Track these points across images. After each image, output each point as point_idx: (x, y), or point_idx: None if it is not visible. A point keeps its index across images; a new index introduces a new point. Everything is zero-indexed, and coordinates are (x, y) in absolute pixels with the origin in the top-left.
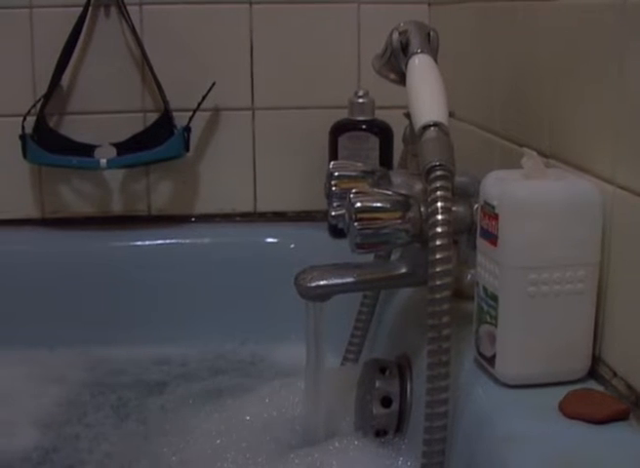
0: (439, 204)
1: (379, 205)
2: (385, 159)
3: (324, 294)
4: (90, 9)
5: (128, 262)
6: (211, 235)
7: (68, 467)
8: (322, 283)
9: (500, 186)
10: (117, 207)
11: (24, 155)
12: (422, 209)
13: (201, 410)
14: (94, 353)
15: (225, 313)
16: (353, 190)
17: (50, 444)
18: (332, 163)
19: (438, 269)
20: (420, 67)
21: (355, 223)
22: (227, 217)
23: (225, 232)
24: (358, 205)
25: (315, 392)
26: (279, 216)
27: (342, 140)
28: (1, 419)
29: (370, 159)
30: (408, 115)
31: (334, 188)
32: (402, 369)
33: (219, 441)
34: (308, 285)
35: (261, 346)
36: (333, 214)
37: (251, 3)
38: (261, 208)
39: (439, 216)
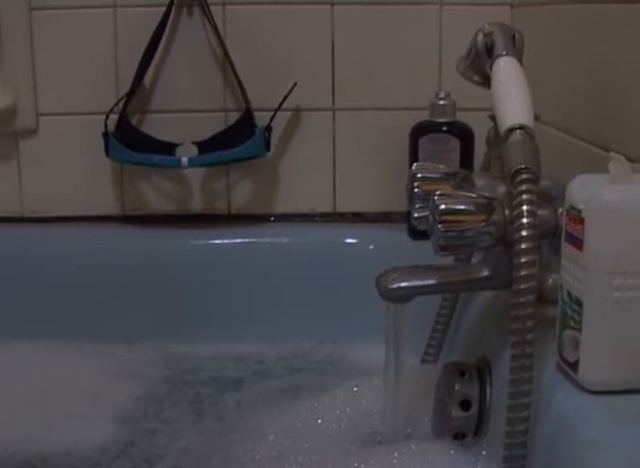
0: (525, 207)
1: (463, 207)
2: (466, 161)
3: (405, 296)
4: (173, 9)
5: (207, 260)
6: (290, 235)
7: (145, 461)
8: (403, 284)
9: (587, 190)
10: (197, 205)
11: (107, 153)
12: (507, 212)
13: (276, 408)
14: (171, 349)
15: (303, 312)
16: (437, 192)
17: (127, 438)
18: (414, 164)
19: (523, 273)
20: (506, 69)
21: (439, 225)
22: (306, 217)
23: (304, 232)
24: (442, 207)
25: (394, 394)
26: (358, 217)
27: (423, 142)
28: (81, 413)
29: (450, 161)
30: (493, 117)
31: (416, 190)
32: (481, 372)
33: (293, 439)
34: (390, 286)
35: (339, 346)
36: (416, 215)
37: (332, 4)
38: (341, 208)
39: (524, 220)
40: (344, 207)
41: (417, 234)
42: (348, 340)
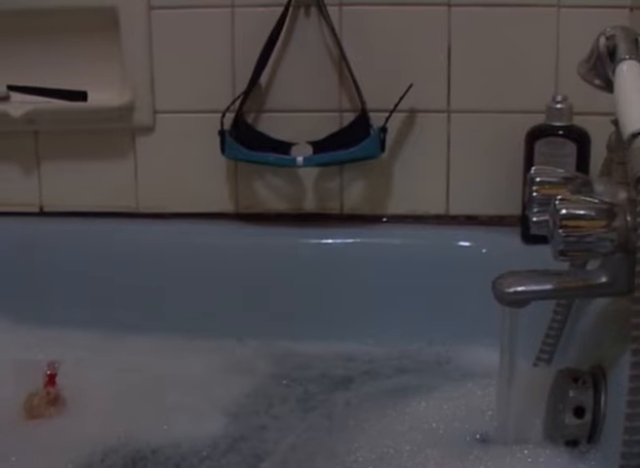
0: None
1: (584, 212)
2: (582, 166)
3: (521, 300)
4: (290, 9)
5: (318, 259)
6: (402, 236)
7: (254, 456)
8: (520, 289)
9: None
10: (310, 204)
11: (222, 151)
12: (629, 218)
13: (384, 409)
14: (281, 346)
15: (413, 313)
16: (558, 197)
17: (237, 432)
18: (532, 168)
19: None
20: (629, 74)
21: (560, 230)
22: (419, 219)
23: (417, 234)
24: (563, 212)
25: (507, 396)
26: (471, 220)
27: (539, 146)
28: (192, 406)
29: (566, 165)
30: (615, 122)
31: (534, 194)
32: (596, 379)
33: (398, 440)
34: (506, 290)
35: (448, 347)
36: (534, 219)
37: (449, 5)
38: (454, 211)
39: None
40: (458, 209)
41: (530, 238)
42: (458, 342)
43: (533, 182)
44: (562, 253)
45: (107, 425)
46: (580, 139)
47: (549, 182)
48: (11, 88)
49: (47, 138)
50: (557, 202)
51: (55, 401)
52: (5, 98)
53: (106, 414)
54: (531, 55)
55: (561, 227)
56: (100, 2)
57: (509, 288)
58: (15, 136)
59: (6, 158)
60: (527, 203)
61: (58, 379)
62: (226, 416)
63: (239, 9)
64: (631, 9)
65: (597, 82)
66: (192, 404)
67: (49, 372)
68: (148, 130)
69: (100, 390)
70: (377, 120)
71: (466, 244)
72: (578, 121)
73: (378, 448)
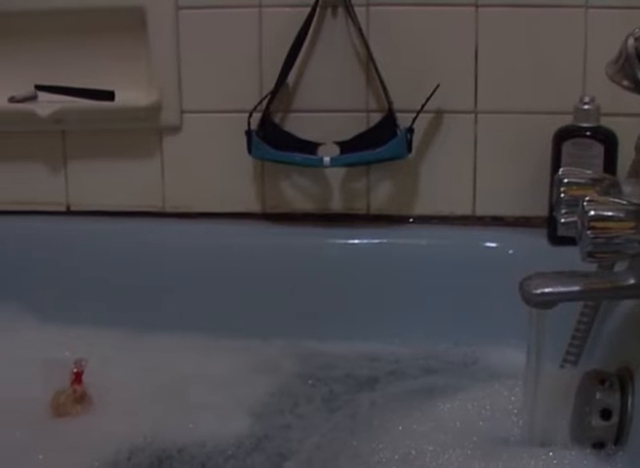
0: None
1: (612, 214)
2: (609, 167)
3: (548, 302)
4: (317, 9)
5: (344, 260)
6: (428, 237)
7: (279, 455)
8: (547, 290)
9: None
10: (336, 205)
11: (249, 151)
12: None
13: (409, 409)
14: (306, 345)
15: (439, 314)
16: (586, 198)
17: (262, 432)
18: (560, 169)
19: None
20: None
21: (588, 231)
22: (445, 220)
23: (443, 234)
24: (592, 213)
25: (533, 398)
26: (497, 221)
27: (566, 147)
28: (217, 405)
29: (594, 166)
30: None
31: (562, 195)
32: (623, 381)
33: (423, 441)
34: (533, 291)
35: (475, 348)
36: (562, 221)
37: (477, 6)
38: (480, 211)
39: None
40: (484, 210)
41: (556, 240)
42: (484, 343)
43: (561, 184)
44: (590, 255)
45: (133, 423)
46: (608, 141)
47: (577, 184)
48: (38, 87)
49: (74, 138)
50: (585, 203)
51: (81, 399)
52: (32, 98)
53: (132, 413)
54: (558, 55)
55: (589, 229)
56: (127, 2)
57: (537, 289)
58: (42, 135)
59: (33, 157)
60: (555, 204)
61: (84, 377)
62: (251, 416)
63: (266, 9)
64: None
65: (625, 83)
66: (218, 403)
67: (75, 370)
68: (175, 129)
69: (127, 388)
70: (403, 120)
71: (493, 245)
72: (605, 122)
73: (401, 449)
